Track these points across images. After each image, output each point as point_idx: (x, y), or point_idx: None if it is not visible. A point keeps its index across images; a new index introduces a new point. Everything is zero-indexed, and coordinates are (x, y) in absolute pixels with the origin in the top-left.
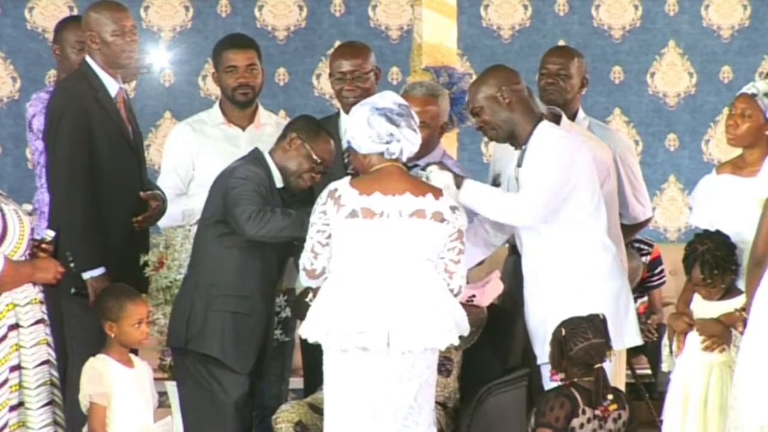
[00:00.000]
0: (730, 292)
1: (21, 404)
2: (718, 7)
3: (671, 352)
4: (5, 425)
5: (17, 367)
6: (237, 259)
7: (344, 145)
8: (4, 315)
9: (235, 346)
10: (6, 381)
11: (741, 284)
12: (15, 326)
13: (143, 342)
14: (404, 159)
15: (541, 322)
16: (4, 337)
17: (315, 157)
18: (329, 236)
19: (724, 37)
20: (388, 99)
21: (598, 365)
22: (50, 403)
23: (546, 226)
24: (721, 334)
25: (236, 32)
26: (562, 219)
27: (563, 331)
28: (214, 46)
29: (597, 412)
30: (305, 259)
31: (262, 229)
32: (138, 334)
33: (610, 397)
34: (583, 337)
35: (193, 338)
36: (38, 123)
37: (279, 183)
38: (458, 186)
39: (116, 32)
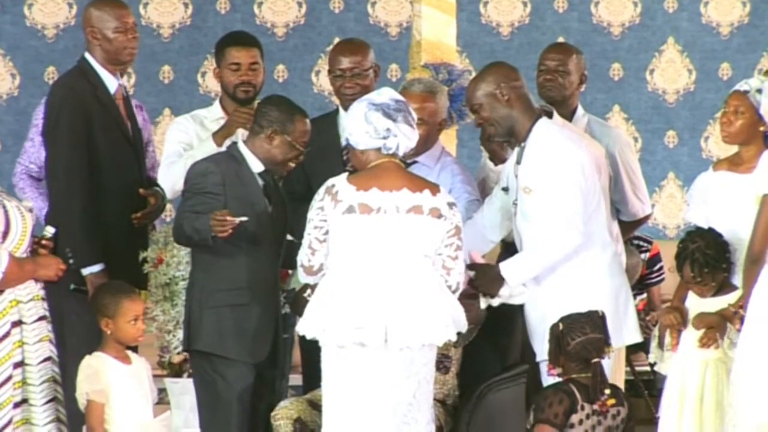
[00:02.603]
0: (724, 288)
1: (24, 401)
2: (718, 4)
3: (661, 345)
4: (9, 422)
5: (20, 364)
6: (225, 254)
7: (343, 143)
8: (7, 312)
9: (238, 337)
10: (10, 378)
11: (736, 280)
12: (18, 323)
13: (139, 339)
14: (401, 154)
15: (541, 319)
16: (8, 334)
17: (297, 145)
18: (326, 232)
19: (724, 34)
20: (385, 95)
21: (596, 360)
22: (53, 399)
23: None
24: (718, 324)
25: (240, 30)
26: None
27: (561, 326)
28: (216, 42)
29: (595, 407)
30: (303, 256)
31: (177, 240)
32: (134, 331)
33: (607, 391)
34: (581, 331)
35: (193, 338)
36: None
37: (257, 168)
38: (503, 280)
39: (118, 29)
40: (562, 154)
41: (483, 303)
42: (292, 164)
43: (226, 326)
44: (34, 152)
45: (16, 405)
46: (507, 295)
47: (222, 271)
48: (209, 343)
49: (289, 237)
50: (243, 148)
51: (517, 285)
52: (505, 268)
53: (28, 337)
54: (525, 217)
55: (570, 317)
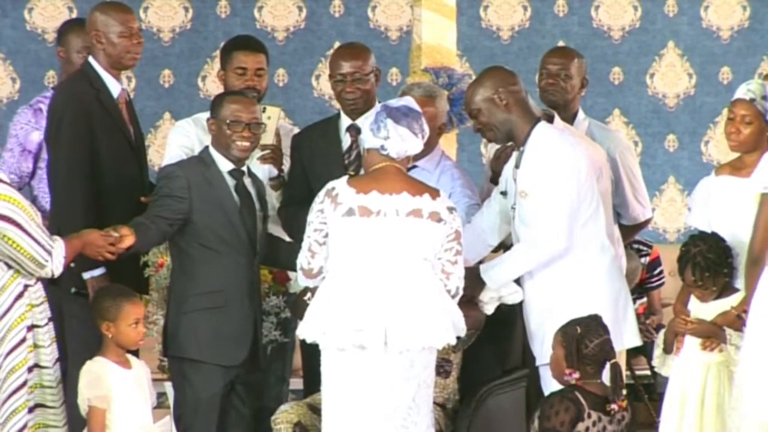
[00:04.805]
0: (726, 290)
1: (37, 405)
2: (718, 8)
3: (668, 350)
4: (24, 427)
5: (34, 367)
6: (198, 257)
7: (344, 147)
8: (25, 316)
9: (211, 341)
10: (25, 383)
11: (738, 284)
12: (31, 327)
13: (140, 342)
14: (394, 156)
15: (540, 323)
16: (23, 339)
17: (228, 121)
18: (326, 235)
19: (724, 38)
20: (403, 101)
21: (614, 360)
22: (64, 402)
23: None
24: (714, 335)
25: (247, 34)
26: None
27: (578, 329)
28: (222, 44)
29: (614, 406)
30: (302, 259)
31: None
32: (135, 335)
33: (624, 392)
34: (597, 333)
35: (170, 344)
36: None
37: (226, 167)
38: (482, 281)
39: (123, 33)
40: (558, 158)
41: (489, 308)
42: (237, 144)
43: (200, 330)
44: (13, 162)
45: (30, 410)
46: (494, 297)
47: (196, 274)
48: (182, 347)
49: (287, 239)
50: (212, 150)
51: (497, 287)
52: (485, 271)
53: (42, 339)
54: (522, 222)
55: (581, 321)
